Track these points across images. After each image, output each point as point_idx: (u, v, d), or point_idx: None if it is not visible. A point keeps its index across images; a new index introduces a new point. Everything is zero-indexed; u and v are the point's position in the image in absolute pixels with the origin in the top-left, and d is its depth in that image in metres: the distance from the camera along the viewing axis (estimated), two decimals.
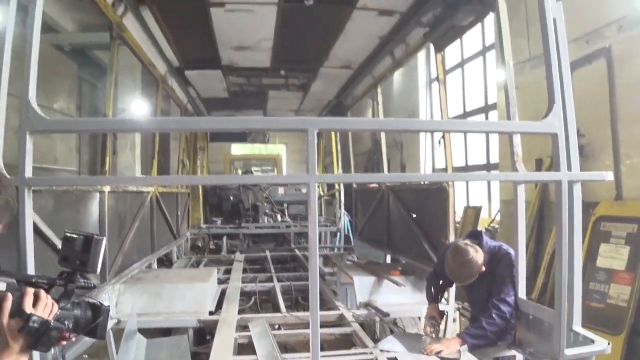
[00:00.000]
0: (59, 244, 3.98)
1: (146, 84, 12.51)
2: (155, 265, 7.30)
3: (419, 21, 5.99)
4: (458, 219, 9.73)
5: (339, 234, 11.55)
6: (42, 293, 1.88)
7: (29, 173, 2.52)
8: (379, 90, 8.27)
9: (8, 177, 2.35)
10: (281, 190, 12.47)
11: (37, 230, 3.63)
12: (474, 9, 4.93)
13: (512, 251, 3.98)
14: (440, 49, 6.22)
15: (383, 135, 8.69)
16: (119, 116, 10.43)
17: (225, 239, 10.86)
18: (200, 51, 7.67)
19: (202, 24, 6.46)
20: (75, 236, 2.04)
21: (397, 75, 14.42)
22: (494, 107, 9.69)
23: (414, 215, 6.64)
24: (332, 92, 10.26)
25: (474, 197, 11.05)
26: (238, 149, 21.89)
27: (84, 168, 13.60)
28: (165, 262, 8.93)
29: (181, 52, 7.62)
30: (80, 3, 4.98)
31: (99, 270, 2.05)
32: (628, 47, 5.81)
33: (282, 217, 11.92)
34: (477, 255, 3.97)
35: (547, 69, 3.07)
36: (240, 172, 16.78)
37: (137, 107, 12.05)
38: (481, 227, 8.88)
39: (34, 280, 1.96)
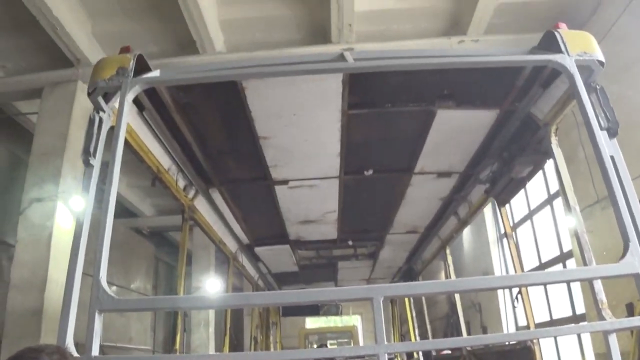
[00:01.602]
0: None
1: (219, 262, 12.89)
2: None
3: (477, 178, 6.04)
4: None
5: None
6: None
7: (95, 352, 2.53)
8: (448, 251, 8.13)
9: (76, 355, 2.36)
10: None
11: None
12: (530, 159, 4.94)
13: None
14: (503, 203, 6.17)
15: (457, 297, 8.34)
16: (193, 293, 10.60)
17: None
18: (267, 228, 7.93)
19: (268, 202, 6.74)
20: None
21: (466, 234, 14.24)
22: (570, 254, 9.25)
23: None
24: (401, 258, 10.17)
25: (565, 354, 10.10)
26: (312, 323, 21.55)
27: (157, 347, 13.63)
28: None
29: (250, 230, 7.90)
30: (156, 189, 5.39)
31: None
32: None
33: None
34: None
35: (615, 207, 2.95)
36: (315, 345, 16.31)
37: (211, 285, 12.30)
38: None
39: None
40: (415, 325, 11.16)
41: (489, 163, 5.70)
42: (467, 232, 14.05)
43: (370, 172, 6.03)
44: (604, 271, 3.16)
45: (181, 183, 5.60)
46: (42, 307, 6.82)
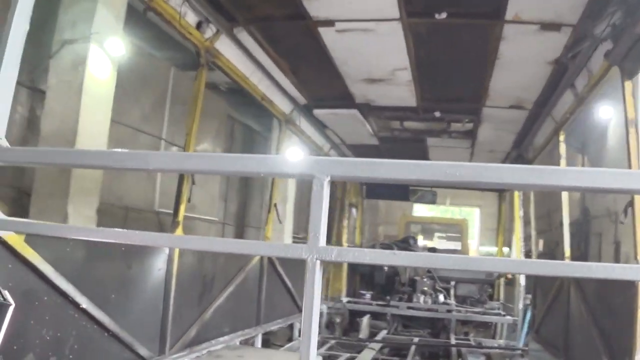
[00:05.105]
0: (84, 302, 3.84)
1: None
2: (259, 343, 7.01)
3: (592, 34, 4.97)
4: None
5: (520, 327, 10.23)
6: None
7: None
8: (562, 138, 7.07)
9: None
10: None
11: (50, 283, 3.52)
12: None
13: None
14: (630, 73, 5.05)
15: (564, 197, 7.22)
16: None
17: (367, 318, 10.15)
18: (325, 85, 7.45)
19: (316, 49, 6.24)
20: None
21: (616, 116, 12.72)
22: None
23: None
24: (506, 141, 9.28)
25: None
26: (421, 211, 21.54)
27: (229, 219, 13.89)
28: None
29: (303, 86, 7.45)
30: None
31: None
32: None
33: (445, 297, 10.91)
34: None
35: None
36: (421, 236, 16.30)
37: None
38: None
39: None
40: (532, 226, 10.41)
41: (609, 12, 4.60)
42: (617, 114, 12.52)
43: (444, 15, 5.22)
44: None
45: (192, 19, 5.20)
46: None
